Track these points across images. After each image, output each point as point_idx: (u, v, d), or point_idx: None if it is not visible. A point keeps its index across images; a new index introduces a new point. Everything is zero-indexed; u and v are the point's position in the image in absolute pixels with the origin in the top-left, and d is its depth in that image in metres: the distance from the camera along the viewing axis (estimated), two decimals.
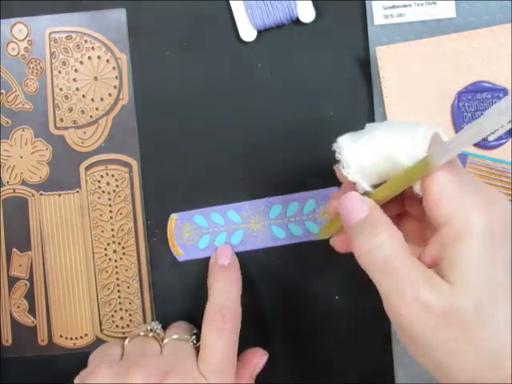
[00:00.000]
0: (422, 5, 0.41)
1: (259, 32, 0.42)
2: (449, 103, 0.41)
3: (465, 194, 0.29)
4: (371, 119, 0.42)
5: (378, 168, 0.31)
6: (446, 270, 0.29)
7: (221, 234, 0.43)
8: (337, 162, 0.32)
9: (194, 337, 0.40)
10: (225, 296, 0.40)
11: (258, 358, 0.42)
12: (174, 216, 0.43)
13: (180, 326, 0.42)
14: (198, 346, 0.39)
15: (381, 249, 0.30)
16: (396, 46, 0.40)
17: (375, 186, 0.32)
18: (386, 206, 0.32)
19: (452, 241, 0.29)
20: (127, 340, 0.40)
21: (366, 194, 0.32)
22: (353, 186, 0.32)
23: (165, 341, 0.40)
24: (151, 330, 0.41)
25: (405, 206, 0.35)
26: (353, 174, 0.32)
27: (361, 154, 0.31)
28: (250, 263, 0.43)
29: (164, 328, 0.42)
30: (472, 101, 0.40)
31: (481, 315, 0.28)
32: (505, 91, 0.40)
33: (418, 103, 0.41)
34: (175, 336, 0.40)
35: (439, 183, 0.29)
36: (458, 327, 0.28)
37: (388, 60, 0.41)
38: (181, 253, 0.43)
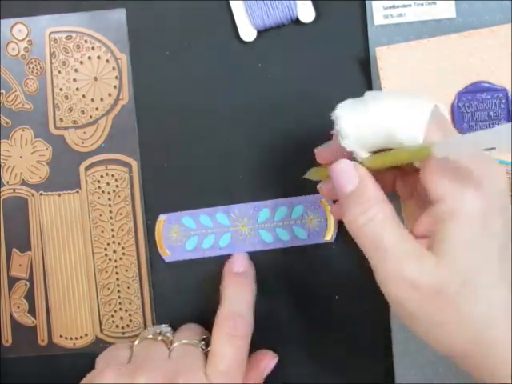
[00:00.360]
0: (422, 5, 0.41)
1: (259, 32, 0.42)
2: (449, 103, 0.40)
3: (461, 171, 0.29)
4: None
5: (376, 140, 0.31)
6: (436, 244, 0.30)
7: (209, 236, 0.43)
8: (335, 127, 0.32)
9: (203, 342, 0.39)
10: (238, 302, 0.39)
11: (268, 360, 0.41)
12: (162, 217, 0.43)
13: (190, 328, 0.41)
14: (207, 352, 0.38)
15: (370, 224, 0.30)
16: (396, 47, 0.40)
17: (374, 152, 0.32)
18: (378, 177, 0.32)
19: (444, 217, 0.29)
20: (136, 342, 0.40)
21: (361, 161, 0.32)
22: (349, 153, 0.32)
23: (173, 344, 0.39)
24: (160, 333, 0.40)
25: (395, 183, 0.36)
26: (350, 144, 0.32)
27: (359, 126, 0.31)
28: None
29: (174, 329, 0.41)
30: (472, 101, 0.40)
31: (466, 288, 0.29)
32: (505, 91, 0.40)
33: None
34: (185, 341, 0.39)
35: (438, 160, 0.30)
36: (444, 301, 0.29)
37: (388, 60, 0.40)
38: (168, 253, 0.43)
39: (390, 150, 0.32)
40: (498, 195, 0.30)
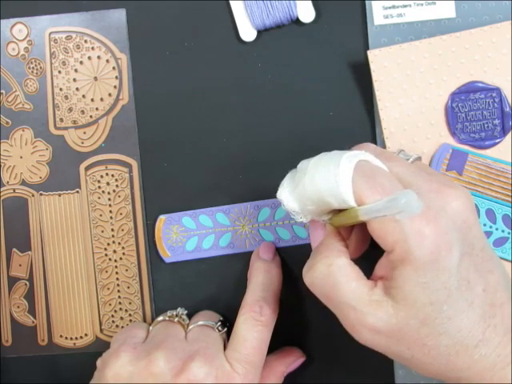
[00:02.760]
0: (422, 5, 0.41)
1: (259, 32, 0.43)
2: (442, 104, 0.41)
3: (405, 220, 0.29)
4: (371, 119, 0.42)
5: (321, 208, 0.33)
6: (393, 290, 0.30)
7: (209, 236, 0.43)
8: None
9: (219, 323, 0.40)
10: (264, 289, 0.39)
11: (294, 357, 0.42)
12: (161, 217, 0.43)
13: (205, 314, 0.42)
14: (224, 334, 0.39)
15: (323, 275, 0.31)
16: (387, 49, 0.40)
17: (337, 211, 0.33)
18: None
19: (397, 264, 0.30)
20: (152, 324, 0.40)
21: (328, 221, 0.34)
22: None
23: (190, 327, 0.39)
24: (177, 316, 0.40)
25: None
26: (299, 217, 0.34)
27: (299, 201, 0.33)
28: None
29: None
30: (465, 101, 0.40)
31: (427, 325, 0.30)
32: (498, 90, 0.40)
33: (412, 105, 0.41)
34: (201, 322, 0.39)
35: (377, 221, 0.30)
36: (408, 340, 0.30)
37: (380, 63, 0.41)
38: (168, 254, 0.43)
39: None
40: (449, 226, 0.30)
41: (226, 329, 0.40)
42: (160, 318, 0.40)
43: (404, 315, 0.30)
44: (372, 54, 0.41)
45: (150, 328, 0.40)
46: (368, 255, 0.34)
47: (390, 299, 0.30)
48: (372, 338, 0.31)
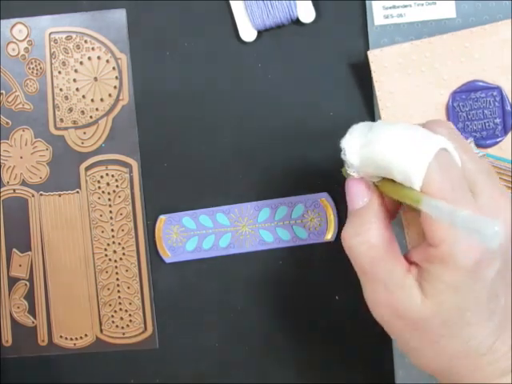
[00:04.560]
0: (422, 5, 0.41)
1: (259, 32, 0.42)
2: (443, 104, 0.40)
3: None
4: (371, 119, 0.42)
5: (379, 172, 0.31)
6: (424, 282, 0.30)
7: (209, 237, 0.43)
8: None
9: None
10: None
11: None
12: (162, 217, 0.43)
13: None
14: None
15: (364, 247, 0.31)
16: (388, 49, 0.40)
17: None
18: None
19: (435, 261, 0.29)
20: None
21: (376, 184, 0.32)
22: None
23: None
24: None
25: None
26: (352, 171, 0.32)
27: (362, 158, 0.31)
28: (251, 263, 0.43)
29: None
30: (466, 100, 0.40)
31: (446, 327, 0.30)
32: (498, 89, 0.40)
33: (413, 105, 0.41)
34: None
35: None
36: (423, 333, 0.30)
37: (380, 63, 0.40)
38: (168, 254, 0.43)
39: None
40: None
41: None
42: None
43: (429, 312, 0.29)
44: (372, 55, 0.40)
45: None
46: None
47: (420, 291, 0.30)
48: (391, 320, 0.31)
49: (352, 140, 0.32)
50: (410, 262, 0.31)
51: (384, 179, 0.32)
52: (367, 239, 0.31)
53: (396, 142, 0.30)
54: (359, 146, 0.32)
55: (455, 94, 0.40)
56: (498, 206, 0.30)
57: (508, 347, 0.30)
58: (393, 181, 0.31)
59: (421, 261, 0.30)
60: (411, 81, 0.40)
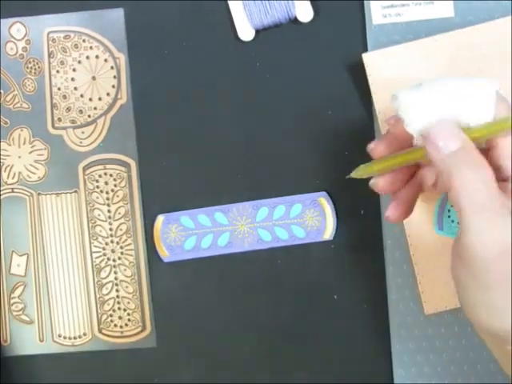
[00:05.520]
0: (421, 4, 0.41)
1: (257, 31, 0.42)
2: None
3: None
4: (370, 118, 0.42)
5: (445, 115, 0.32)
6: None
7: (207, 236, 0.43)
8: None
9: None
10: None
11: None
12: (160, 216, 0.43)
13: None
14: None
15: (478, 186, 0.29)
16: (382, 51, 0.40)
17: None
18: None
19: None
20: None
21: None
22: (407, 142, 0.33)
23: None
24: None
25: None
26: (415, 129, 0.32)
27: (424, 111, 0.31)
28: (249, 262, 0.43)
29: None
30: None
31: None
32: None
33: None
34: None
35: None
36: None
37: (375, 65, 0.40)
38: (166, 254, 0.43)
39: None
40: None
41: None
42: None
43: None
44: (367, 57, 0.40)
45: None
46: None
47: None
48: (495, 255, 0.29)
49: (410, 96, 0.32)
50: None
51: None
52: (479, 178, 0.30)
53: (461, 86, 0.31)
54: (418, 101, 0.31)
55: None
56: None
57: None
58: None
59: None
60: (406, 81, 0.40)
